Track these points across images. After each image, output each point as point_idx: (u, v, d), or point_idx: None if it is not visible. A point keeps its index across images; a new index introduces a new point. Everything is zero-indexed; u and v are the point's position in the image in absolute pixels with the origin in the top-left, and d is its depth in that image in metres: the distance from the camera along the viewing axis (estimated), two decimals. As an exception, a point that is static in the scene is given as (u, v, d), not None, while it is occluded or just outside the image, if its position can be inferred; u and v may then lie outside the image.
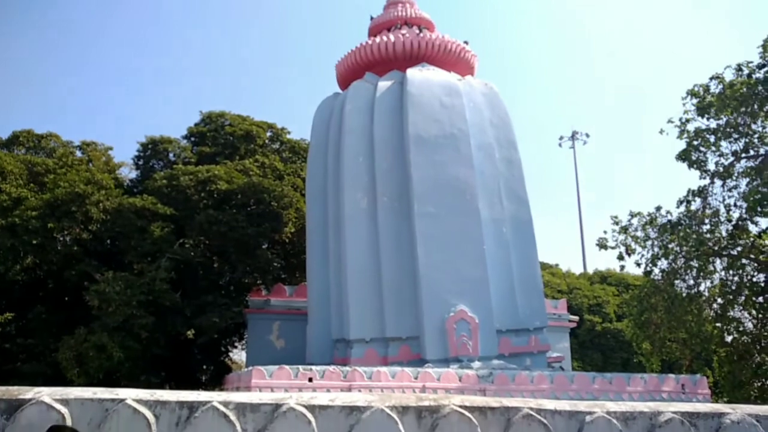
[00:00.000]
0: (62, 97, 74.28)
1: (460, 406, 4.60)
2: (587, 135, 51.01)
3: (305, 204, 21.26)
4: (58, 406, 4.41)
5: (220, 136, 25.97)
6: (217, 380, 23.47)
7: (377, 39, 20.57)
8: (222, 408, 4.53)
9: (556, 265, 38.79)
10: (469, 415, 4.56)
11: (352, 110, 19.08)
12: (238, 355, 29.62)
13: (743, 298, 16.56)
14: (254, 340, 21.62)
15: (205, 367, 24.99)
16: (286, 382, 13.78)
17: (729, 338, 17.35)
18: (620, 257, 17.18)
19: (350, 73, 20.98)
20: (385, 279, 17.40)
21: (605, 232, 17.53)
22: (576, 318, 26.65)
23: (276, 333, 21.42)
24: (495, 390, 14.48)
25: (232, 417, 4.49)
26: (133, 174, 26.27)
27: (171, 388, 22.51)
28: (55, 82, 74.34)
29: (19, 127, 25.61)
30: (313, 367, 14.61)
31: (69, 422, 4.30)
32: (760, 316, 16.56)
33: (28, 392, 4.48)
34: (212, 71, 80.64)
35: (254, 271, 21.98)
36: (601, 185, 73.01)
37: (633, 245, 17.08)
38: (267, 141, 26.87)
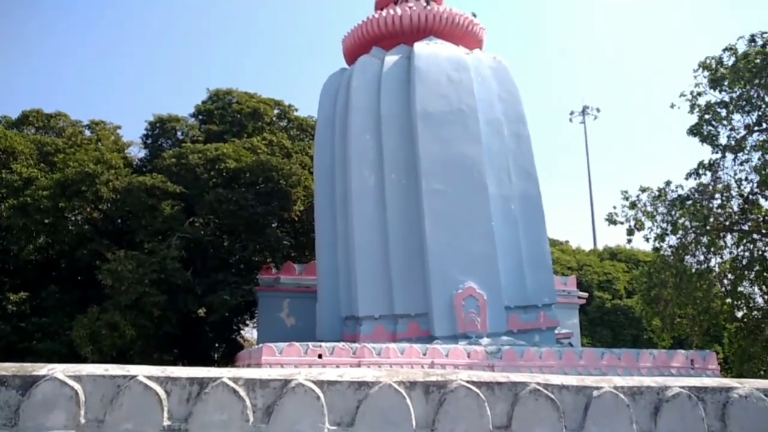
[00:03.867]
0: (71, 76, 74.30)
1: (468, 381, 4.63)
2: (598, 110, 50.59)
3: (313, 182, 21.26)
4: (71, 382, 4.48)
5: (227, 114, 25.92)
6: (229, 358, 23.76)
7: (384, 12, 20.32)
8: (232, 384, 4.59)
9: (566, 241, 38.69)
10: (477, 390, 4.59)
11: (358, 86, 18.94)
12: (250, 333, 29.93)
13: (754, 273, 16.45)
14: (265, 318, 21.81)
15: (217, 345, 25.29)
16: (296, 359, 13.93)
17: (739, 314, 17.29)
18: (630, 232, 17.06)
19: (357, 47, 20.79)
20: (393, 256, 17.44)
21: (615, 207, 17.42)
22: (585, 294, 26.62)
23: (286, 311, 21.60)
24: (503, 366, 14.56)
25: (242, 393, 4.55)
26: (142, 153, 26.35)
27: (183, 365, 22.75)
28: (63, 61, 74.31)
29: (29, 107, 25.66)
30: (323, 344, 14.73)
31: (82, 398, 4.38)
32: (771, 291, 16.48)
33: (42, 369, 4.56)
34: (219, 48, 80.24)
35: (264, 250, 22.09)
36: (612, 161, 72.43)
37: (643, 220, 16.96)
38: (274, 118, 26.80)
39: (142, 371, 4.65)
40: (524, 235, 18.48)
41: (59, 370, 4.58)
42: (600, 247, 39.38)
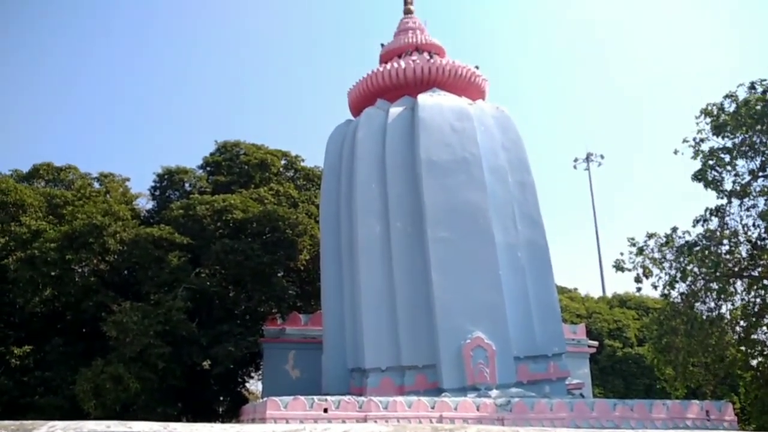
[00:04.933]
0: (81, 129, 75.77)
1: (475, 438, 4.52)
2: (602, 156, 50.88)
3: (319, 231, 21.33)
4: (70, 441, 4.40)
5: (235, 165, 26.24)
6: (233, 411, 23.33)
7: (388, 65, 20.80)
8: (234, 442, 4.49)
9: (575, 289, 38.30)
10: (485, 447, 4.47)
11: (364, 137, 19.23)
12: (255, 385, 29.46)
13: (767, 320, 16.18)
14: (270, 370, 21.49)
15: (221, 398, 24.87)
16: (301, 413, 13.67)
17: (754, 362, 16.91)
18: (637, 279, 16.89)
19: (362, 99, 21.20)
20: (399, 306, 17.31)
21: (622, 254, 17.28)
22: (596, 343, 26.18)
23: (291, 362, 21.29)
24: (513, 419, 14.23)
25: (244, 451, 4.45)
26: (150, 204, 26.56)
27: (188, 420, 22.42)
28: (75, 114, 75.94)
29: (40, 160, 26.08)
30: (329, 398, 14.48)
31: (81, 458, 4.29)
32: (785, 339, 16.17)
33: (42, 426, 4.49)
34: (227, 101, 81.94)
35: (270, 300, 21.97)
36: (618, 207, 72.45)
37: (650, 267, 16.81)
38: (281, 169, 27.10)
39: (143, 428, 4.57)
40: (532, 283, 18.34)
41: (59, 428, 4.51)
42: (609, 294, 38.96)
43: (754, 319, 16.17)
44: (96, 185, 25.56)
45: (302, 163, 27.91)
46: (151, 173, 26.45)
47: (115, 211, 21.42)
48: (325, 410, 13.96)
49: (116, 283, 21.27)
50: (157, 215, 24.72)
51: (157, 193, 26.58)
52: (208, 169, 27.05)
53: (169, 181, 26.22)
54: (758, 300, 16.29)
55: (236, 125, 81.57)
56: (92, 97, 76.39)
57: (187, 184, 26.29)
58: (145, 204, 26.48)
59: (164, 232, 20.92)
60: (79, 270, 20.70)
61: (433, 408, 14.52)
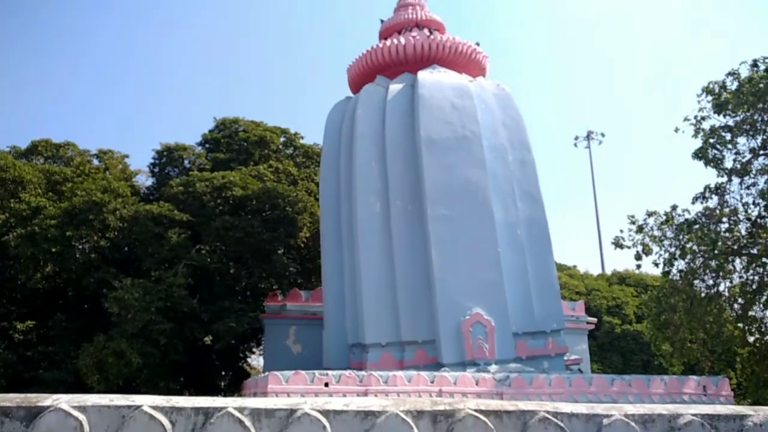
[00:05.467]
0: (80, 106, 75.34)
1: (476, 410, 4.58)
2: (602, 134, 50.69)
3: (319, 209, 21.34)
4: (75, 413, 4.45)
5: (234, 142, 26.16)
6: (235, 386, 23.58)
7: (388, 42, 20.60)
8: (237, 414, 4.55)
9: (574, 266, 38.47)
10: (485, 418, 4.53)
11: (363, 114, 19.12)
12: (256, 360, 29.73)
13: (765, 297, 16.27)
14: (271, 346, 21.69)
15: (223, 373, 25.13)
16: (302, 387, 13.81)
17: (751, 338, 17.05)
18: (637, 257, 16.96)
19: (361, 76, 21.04)
20: (399, 283, 17.39)
21: (621, 231, 17.34)
22: (594, 320, 26.37)
23: (293, 338, 21.48)
24: (512, 393, 14.38)
25: (248, 423, 4.51)
26: (150, 181, 26.55)
27: (190, 394, 22.67)
28: (73, 91, 75.41)
29: (38, 137, 25.97)
30: (329, 372, 14.61)
31: (86, 429, 4.34)
32: (783, 316, 16.27)
33: (47, 399, 4.53)
34: (226, 77, 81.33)
35: (270, 277, 22.07)
36: (618, 185, 72.38)
37: (650, 245, 16.86)
38: (281, 146, 27.02)
39: (146, 401, 4.62)
40: (531, 260, 18.41)
41: (64, 401, 4.56)
42: (608, 271, 39.14)
43: (751, 297, 16.26)
44: (95, 162, 25.50)
45: (302, 141, 27.83)
46: (150, 150, 26.37)
47: (115, 187, 21.41)
48: (326, 384, 14.11)
49: (117, 260, 21.34)
50: (157, 192, 24.71)
51: (157, 170, 26.52)
52: (207, 145, 26.96)
53: (168, 158, 26.15)
54: (756, 278, 16.37)
55: (235, 102, 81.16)
56: (90, 74, 75.84)
57: (186, 161, 26.23)
58: (144, 181, 26.48)
59: (164, 209, 20.93)
60: (80, 246, 20.75)
61: (432, 382, 14.67)
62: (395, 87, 19.49)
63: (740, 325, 16.78)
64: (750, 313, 16.53)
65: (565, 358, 19.06)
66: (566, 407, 4.76)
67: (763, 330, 16.62)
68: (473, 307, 16.85)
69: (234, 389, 23.69)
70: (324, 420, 4.49)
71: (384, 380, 14.40)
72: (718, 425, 4.78)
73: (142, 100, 77.61)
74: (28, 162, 24.04)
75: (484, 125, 19.02)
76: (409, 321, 17.10)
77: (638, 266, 17.60)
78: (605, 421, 4.64)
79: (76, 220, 20.13)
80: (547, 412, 4.61)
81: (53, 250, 19.68)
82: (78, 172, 23.00)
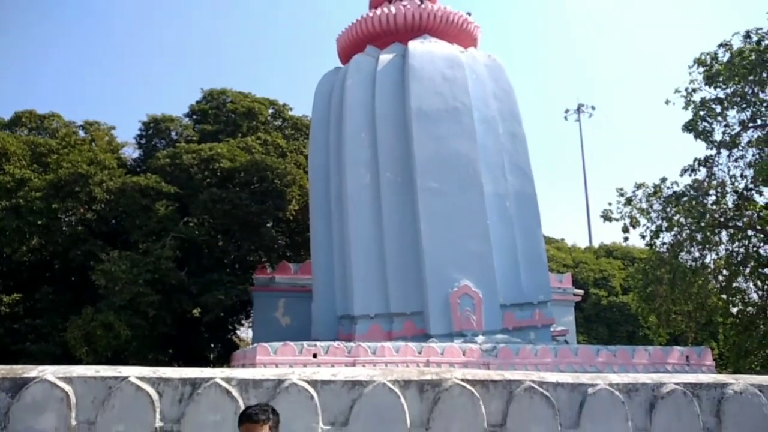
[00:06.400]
0: (65, 77, 74.00)
1: (462, 380, 4.60)
2: (593, 108, 50.65)
3: (308, 181, 21.21)
4: (61, 384, 4.44)
5: (221, 114, 25.84)
6: (225, 358, 23.70)
7: (378, 11, 20.29)
8: (224, 384, 4.54)
9: (562, 239, 38.76)
10: (471, 388, 4.56)
11: (353, 85, 18.91)
12: (245, 333, 29.84)
13: (748, 269, 16.48)
14: (260, 318, 21.76)
15: (212, 345, 25.21)
16: (290, 359, 13.89)
17: (734, 310, 17.32)
18: (625, 229, 17.09)
19: (351, 46, 20.75)
20: (388, 254, 17.42)
21: (610, 204, 17.45)
22: (581, 292, 26.66)
23: (281, 310, 21.55)
24: (499, 364, 14.56)
25: (235, 393, 4.51)
26: (136, 153, 26.21)
27: (179, 366, 22.75)
28: (57, 62, 73.99)
29: (22, 108, 25.50)
30: (318, 343, 14.70)
31: (73, 400, 4.33)
32: (766, 287, 16.51)
33: (32, 371, 4.50)
34: (213, 48, 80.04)
35: (259, 249, 22.02)
36: (607, 158, 72.54)
37: (638, 217, 16.98)
38: (269, 118, 26.71)
39: (133, 372, 4.60)
40: (519, 232, 18.49)
41: (50, 372, 4.53)
42: (596, 244, 39.46)
43: (735, 268, 16.47)
44: (81, 133, 25.09)
45: (290, 112, 27.50)
46: (137, 121, 25.99)
47: (101, 159, 21.13)
48: (315, 355, 14.20)
49: (104, 232, 21.17)
50: (144, 164, 24.42)
51: (143, 141, 26.18)
52: (195, 117, 26.60)
53: (155, 130, 25.79)
54: (741, 250, 16.56)
55: (223, 72, 79.97)
56: (76, 44, 74.32)
57: (173, 133, 25.89)
58: (131, 153, 26.13)
59: (151, 181, 20.72)
60: (66, 219, 20.55)
61: (420, 353, 14.81)
62: (385, 57, 19.26)
63: (724, 296, 17.03)
64: (734, 284, 16.77)
65: (552, 329, 19.29)
66: (552, 377, 4.80)
67: (746, 301, 16.89)
68: (461, 278, 16.95)
69: (223, 361, 23.81)
70: (312, 390, 4.50)
71: (372, 351, 14.52)
72: (699, 393, 4.85)
73: (128, 71, 76.36)
74: (11, 133, 23.63)
75: (475, 97, 18.90)
76: (397, 293, 17.18)
77: (625, 239, 17.75)
78: (590, 390, 4.69)
79: (61, 192, 19.90)
80: (533, 381, 4.66)
81: (39, 222, 19.48)
82: (63, 143, 22.64)
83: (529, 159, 19.49)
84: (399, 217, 17.72)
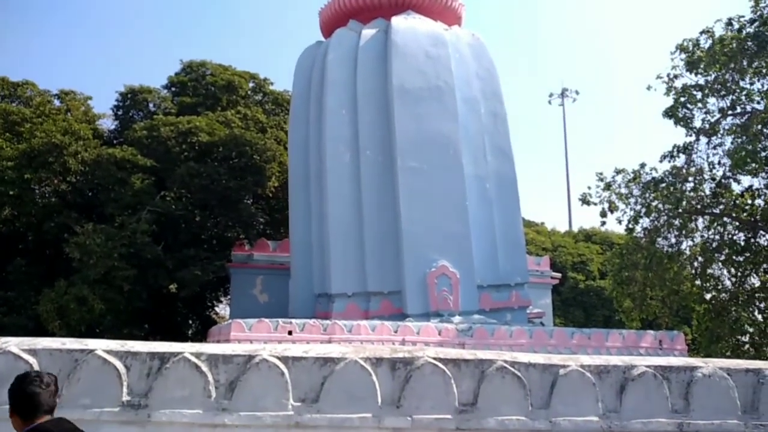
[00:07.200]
0: (39, 44, 72.11)
1: (434, 359, 4.58)
2: (577, 92, 50.73)
3: (288, 158, 21.00)
4: (25, 356, 4.33)
5: (201, 86, 25.39)
6: (202, 334, 23.58)
7: (362, -15, 19.96)
8: (194, 359, 4.47)
9: (542, 223, 39.02)
10: (443, 367, 4.54)
11: (334, 60, 18.66)
12: (224, 309, 29.72)
13: (723, 256, 16.74)
14: (238, 295, 21.64)
15: (190, 321, 25.06)
16: (265, 335, 13.85)
17: (708, 296, 17.61)
18: (603, 214, 17.23)
19: (334, 20, 20.44)
20: (367, 233, 17.38)
21: (589, 188, 17.55)
22: (558, 275, 26.91)
23: (259, 287, 21.45)
24: (474, 344, 14.67)
25: (204, 368, 4.44)
26: (113, 125, 25.69)
27: (155, 341, 22.58)
28: (32, 29, 72.02)
29: (-6, 75, 24.72)
30: (293, 321, 14.67)
31: (36, 373, 4.22)
32: (739, 273, 16.79)
33: (-6, 342, 4.38)
34: (193, 19, 78.53)
35: (237, 225, 21.82)
36: (589, 143, 73.02)
37: (616, 202, 17.12)
38: (249, 92, 26.32)
39: (100, 345, 4.51)
40: (498, 214, 18.54)
41: (13, 344, 4.42)
42: (575, 229, 39.80)
43: (710, 255, 16.72)
44: (56, 103, 24.47)
45: (271, 87, 27.12)
46: (114, 92, 25.43)
47: (76, 130, 20.66)
48: (290, 333, 14.18)
49: (79, 205, 20.80)
50: (120, 136, 23.96)
51: (120, 113, 25.67)
52: (173, 89, 26.12)
53: (132, 101, 25.29)
54: (717, 237, 16.80)
55: (203, 44, 78.55)
56: (52, 11, 72.35)
57: (151, 105, 25.41)
58: (108, 125, 25.61)
59: (127, 154, 20.36)
60: (39, 190, 20.15)
61: (396, 332, 14.87)
62: (368, 32, 19.01)
63: (698, 282, 17.30)
64: (708, 271, 17.03)
65: (528, 311, 19.48)
66: (524, 357, 4.80)
67: (719, 288, 17.17)
68: (439, 259, 16.98)
69: (201, 338, 23.70)
70: (282, 366, 4.45)
71: (348, 329, 14.54)
72: (669, 376, 4.89)
73: (106, 40, 74.62)
74: (-18, 101, 23.01)
75: (458, 76, 18.77)
76: (375, 272, 17.18)
77: (603, 223, 17.91)
78: (561, 371, 4.70)
79: (35, 162, 19.46)
80: (505, 361, 4.65)
81: (11, 192, 19.07)
82: (37, 112, 22.06)
83: (510, 140, 19.49)
84: (378, 196, 17.64)
